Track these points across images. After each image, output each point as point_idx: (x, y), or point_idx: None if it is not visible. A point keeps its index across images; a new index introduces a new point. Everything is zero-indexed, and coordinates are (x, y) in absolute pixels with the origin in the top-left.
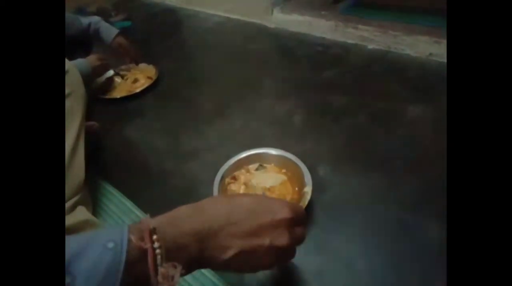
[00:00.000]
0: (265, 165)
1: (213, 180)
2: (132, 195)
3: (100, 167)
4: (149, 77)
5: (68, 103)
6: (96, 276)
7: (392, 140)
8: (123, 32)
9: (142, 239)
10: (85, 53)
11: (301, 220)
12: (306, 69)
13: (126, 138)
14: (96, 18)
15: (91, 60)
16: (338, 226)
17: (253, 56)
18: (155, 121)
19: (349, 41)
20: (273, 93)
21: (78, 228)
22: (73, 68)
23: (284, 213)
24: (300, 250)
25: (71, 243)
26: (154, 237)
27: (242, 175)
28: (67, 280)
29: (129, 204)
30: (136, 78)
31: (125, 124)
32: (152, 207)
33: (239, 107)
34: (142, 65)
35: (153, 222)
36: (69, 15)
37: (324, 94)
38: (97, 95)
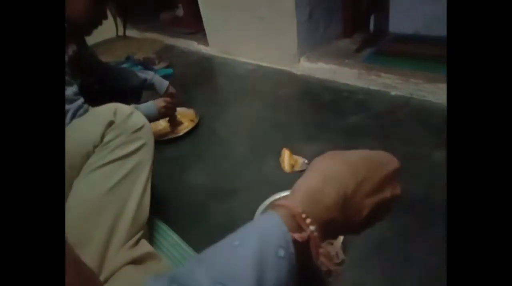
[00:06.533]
0: None
1: (251, 219)
2: (179, 229)
3: (150, 204)
4: (191, 121)
5: (142, 152)
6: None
7: (417, 184)
8: (167, 78)
9: (300, 229)
10: (136, 99)
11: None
12: (332, 114)
13: (172, 177)
14: (151, 74)
15: (158, 102)
16: (366, 264)
17: (282, 101)
18: (197, 161)
19: (372, 87)
20: (301, 136)
21: (143, 259)
22: (147, 122)
23: (394, 163)
24: None
25: (250, 267)
26: (308, 221)
27: None
28: None
29: (175, 237)
30: (180, 122)
31: (170, 164)
32: (197, 242)
33: (271, 148)
34: (182, 109)
35: (298, 203)
36: (130, 70)
37: (350, 137)
38: None
